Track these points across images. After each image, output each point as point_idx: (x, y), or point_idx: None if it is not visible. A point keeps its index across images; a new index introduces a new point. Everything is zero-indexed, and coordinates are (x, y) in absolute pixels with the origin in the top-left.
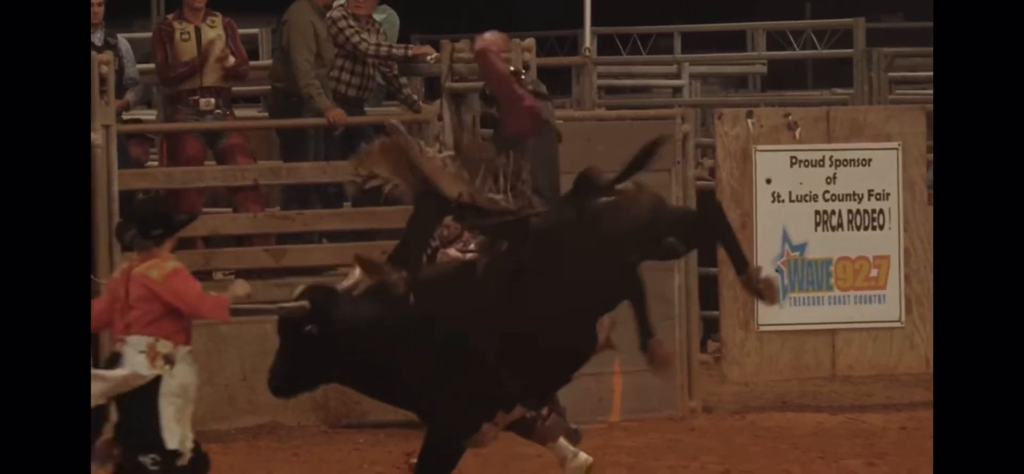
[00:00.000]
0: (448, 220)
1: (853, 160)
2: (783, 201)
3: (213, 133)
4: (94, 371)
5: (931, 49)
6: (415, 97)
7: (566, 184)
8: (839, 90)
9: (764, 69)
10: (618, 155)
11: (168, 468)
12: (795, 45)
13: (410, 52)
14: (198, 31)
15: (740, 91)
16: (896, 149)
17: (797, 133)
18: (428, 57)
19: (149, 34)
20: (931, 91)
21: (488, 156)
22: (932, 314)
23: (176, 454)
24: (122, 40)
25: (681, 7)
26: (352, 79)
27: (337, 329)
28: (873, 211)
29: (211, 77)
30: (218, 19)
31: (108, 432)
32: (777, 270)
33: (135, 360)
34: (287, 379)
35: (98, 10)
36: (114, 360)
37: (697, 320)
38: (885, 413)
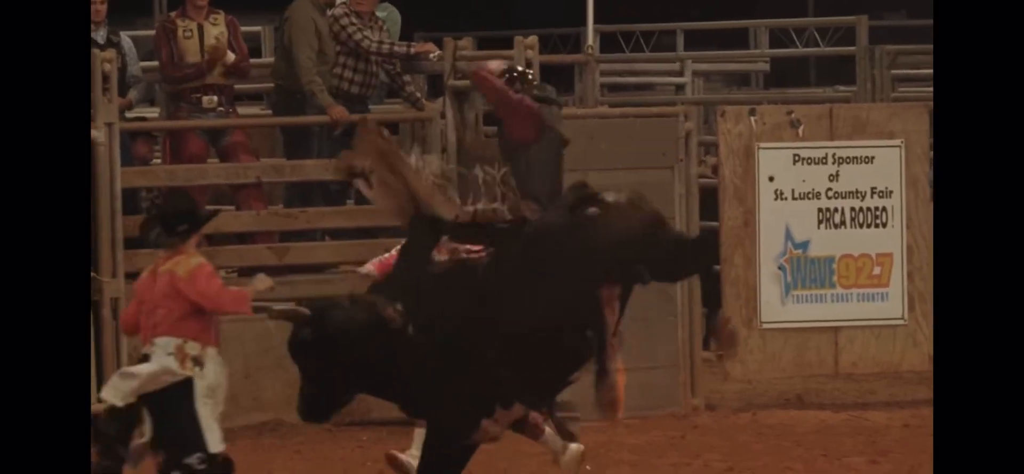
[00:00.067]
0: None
1: (856, 158)
2: (786, 199)
3: (216, 131)
4: (124, 369)
5: None
6: (418, 95)
7: (571, 181)
8: (842, 87)
9: (767, 66)
10: (621, 152)
11: (214, 468)
12: (798, 43)
13: (413, 50)
14: (201, 28)
15: (743, 89)
16: (899, 147)
17: (800, 131)
18: (431, 55)
19: (152, 32)
20: None
21: (491, 154)
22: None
23: (219, 456)
24: (125, 38)
25: (684, 5)
26: (355, 76)
27: (339, 338)
28: (876, 209)
29: (214, 75)
30: (221, 17)
31: (143, 435)
32: (780, 268)
33: (164, 361)
34: (314, 404)
35: (101, 8)
36: (143, 362)
37: (700, 318)
38: (888, 411)
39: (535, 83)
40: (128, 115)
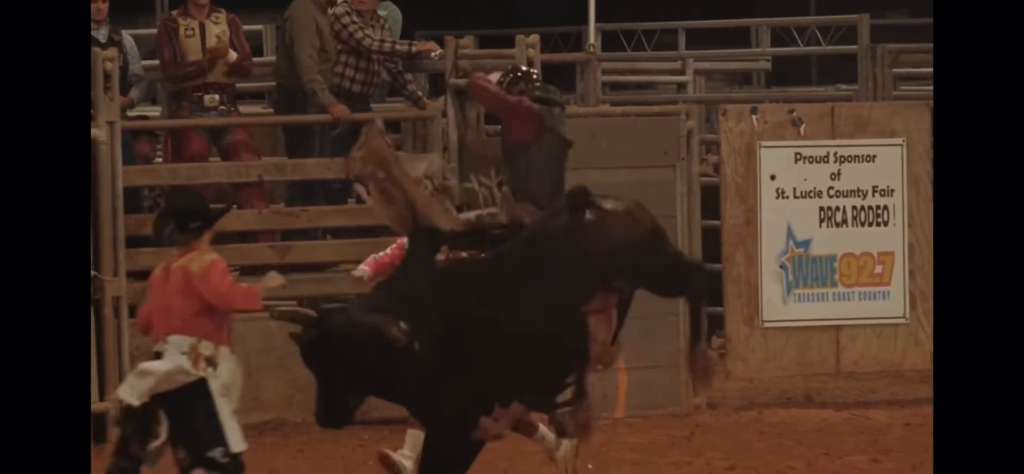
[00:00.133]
0: None
1: (857, 156)
2: (787, 197)
3: (217, 129)
4: (141, 366)
5: None
6: (420, 93)
7: (573, 180)
8: (843, 86)
9: (768, 65)
10: (623, 151)
11: (235, 466)
12: (799, 41)
13: (414, 48)
14: (202, 27)
15: (744, 87)
16: (900, 145)
17: (801, 129)
18: (432, 53)
19: (154, 30)
20: None
21: (492, 153)
22: None
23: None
24: (127, 36)
25: (685, 3)
26: (356, 75)
27: (340, 341)
28: (877, 207)
29: (215, 74)
30: (222, 15)
31: (159, 436)
32: (781, 267)
33: (177, 360)
34: (327, 408)
35: (103, 7)
36: (156, 359)
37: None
38: (889, 409)
39: (538, 84)
40: (130, 114)
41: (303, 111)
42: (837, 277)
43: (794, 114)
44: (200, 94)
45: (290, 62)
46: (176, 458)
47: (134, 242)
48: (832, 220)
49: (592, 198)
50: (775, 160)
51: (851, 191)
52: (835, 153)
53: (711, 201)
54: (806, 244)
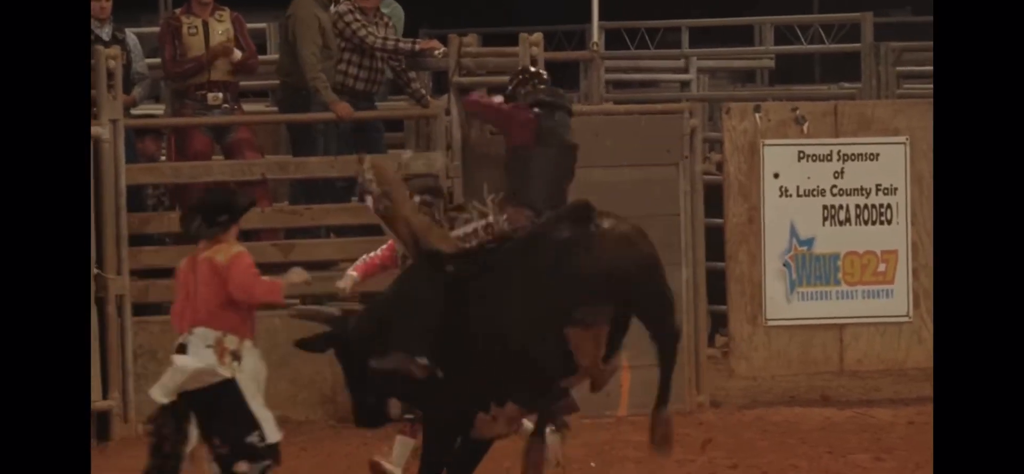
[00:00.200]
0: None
1: (861, 154)
2: (791, 196)
3: (221, 128)
4: (174, 364)
5: None
6: (423, 91)
7: (576, 178)
8: (847, 84)
9: (772, 63)
10: (626, 149)
11: (274, 452)
12: (803, 39)
13: (417, 47)
14: (206, 25)
15: (748, 85)
16: (904, 143)
17: (805, 127)
18: (436, 52)
19: (157, 29)
20: None
21: (496, 151)
22: None
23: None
24: (130, 35)
25: (689, 1)
26: (360, 73)
27: (353, 343)
28: (881, 205)
29: (219, 72)
30: (226, 13)
31: (193, 439)
32: (785, 265)
33: (202, 354)
34: (358, 409)
35: (106, 5)
36: (180, 352)
37: (705, 314)
38: (893, 408)
39: (543, 87)
40: (133, 112)
41: (306, 109)
42: (840, 275)
43: (797, 112)
44: (203, 92)
45: (293, 60)
46: (213, 453)
47: (137, 240)
48: (835, 218)
49: (594, 214)
50: (778, 158)
51: (854, 189)
52: (838, 151)
53: (714, 199)
54: (809, 242)
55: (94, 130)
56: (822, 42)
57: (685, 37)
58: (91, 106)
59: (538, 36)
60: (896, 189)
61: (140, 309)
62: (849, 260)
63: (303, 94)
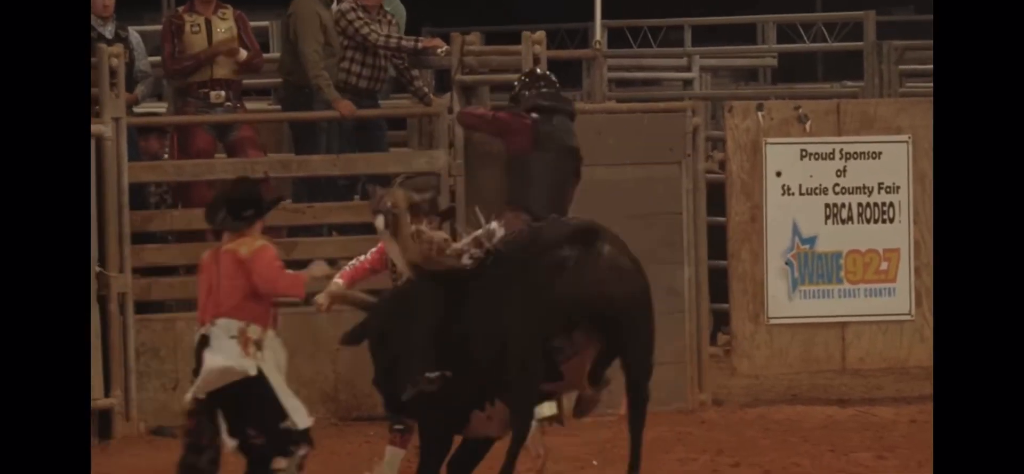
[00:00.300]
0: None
1: (863, 153)
2: (793, 194)
3: (223, 126)
4: (206, 360)
5: None
6: (426, 90)
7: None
8: (849, 83)
9: (774, 62)
10: (628, 148)
11: (308, 437)
12: (805, 38)
13: (420, 45)
14: (209, 23)
15: (750, 84)
16: (906, 142)
17: (807, 126)
18: (438, 50)
19: (160, 27)
20: None
21: (498, 149)
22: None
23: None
24: (133, 33)
25: (691, 0)
26: (363, 70)
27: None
28: (883, 204)
29: (221, 70)
30: (229, 11)
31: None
32: (787, 263)
33: (226, 345)
34: (391, 402)
35: (109, 3)
36: (202, 343)
37: (707, 313)
38: (895, 406)
39: (544, 91)
40: (135, 110)
41: (309, 107)
42: (843, 274)
43: (800, 111)
44: (206, 90)
45: (294, 58)
46: (246, 447)
47: (140, 238)
48: (838, 217)
49: (598, 238)
50: (781, 157)
51: (857, 188)
52: (841, 150)
53: (717, 198)
54: (812, 241)
55: (97, 128)
56: (825, 40)
57: (688, 35)
58: (94, 104)
59: (541, 34)
60: (898, 187)
61: (142, 307)
62: (851, 258)
63: (305, 92)
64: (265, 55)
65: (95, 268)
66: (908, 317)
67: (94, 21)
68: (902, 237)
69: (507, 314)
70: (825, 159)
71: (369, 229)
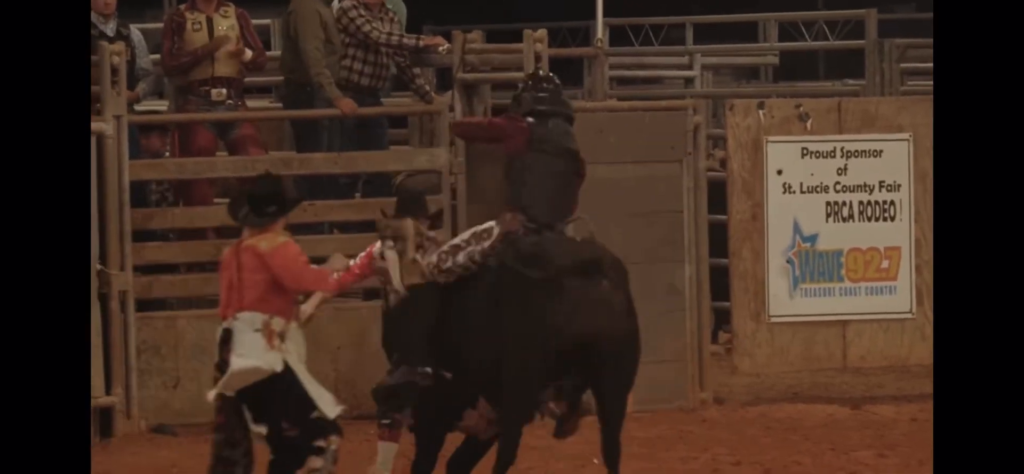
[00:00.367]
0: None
1: (864, 151)
2: (794, 192)
3: (225, 124)
4: (233, 363)
5: None
6: (427, 87)
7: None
8: (851, 81)
9: (776, 60)
10: (630, 146)
11: (336, 427)
12: (807, 36)
13: (422, 42)
14: (210, 21)
15: (752, 82)
16: (907, 140)
17: (808, 124)
18: (440, 48)
19: (161, 25)
20: None
21: (499, 148)
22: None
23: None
24: (134, 31)
25: None
26: (365, 68)
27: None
28: (884, 202)
29: (223, 68)
30: (231, 9)
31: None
32: (788, 261)
33: (251, 339)
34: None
35: (110, 1)
36: (226, 338)
37: (708, 311)
38: (896, 404)
39: (542, 95)
40: (137, 108)
41: (310, 105)
42: (844, 272)
43: (801, 109)
44: (207, 88)
45: (295, 56)
46: (276, 437)
47: (141, 236)
48: (839, 215)
49: (597, 272)
50: (782, 155)
51: (858, 186)
52: (842, 148)
53: (718, 196)
54: (813, 239)
55: (98, 126)
56: (826, 39)
57: (689, 34)
58: (95, 102)
59: (542, 33)
60: (899, 186)
61: (143, 305)
62: (852, 257)
63: (307, 90)
64: (267, 53)
65: (96, 266)
66: (909, 315)
67: (96, 19)
68: (903, 235)
69: (502, 332)
70: (826, 157)
71: (370, 227)
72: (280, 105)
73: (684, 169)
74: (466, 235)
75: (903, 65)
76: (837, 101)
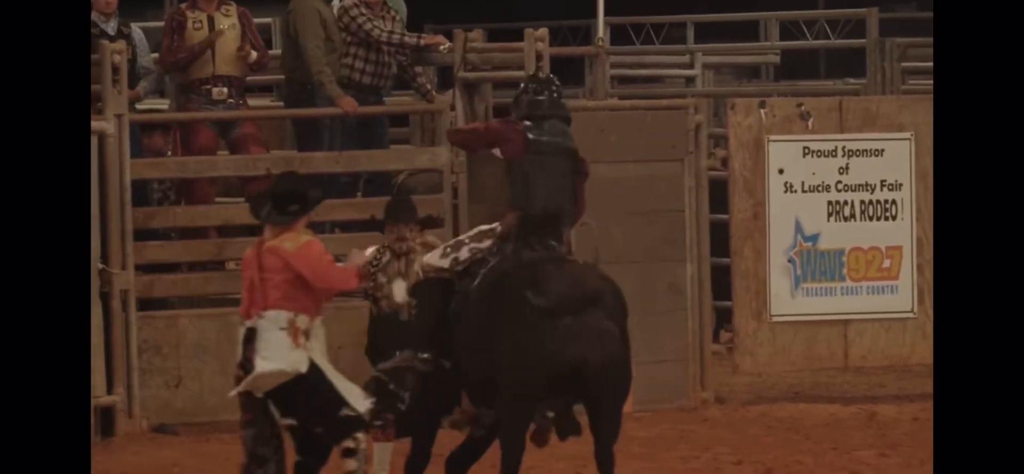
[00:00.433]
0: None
1: (866, 150)
2: (796, 191)
3: (226, 123)
4: (257, 365)
5: None
6: (428, 86)
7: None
8: (852, 80)
9: (777, 59)
10: (631, 145)
11: (364, 422)
12: (808, 35)
13: (423, 41)
14: (211, 20)
15: (753, 81)
16: (909, 139)
17: (810, 123)
18: (441, 47)
19: (162, 23)
20: None
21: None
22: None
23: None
24: (135, 29)
25: None
26: (367, 67)
27: None
28: (885, 201)
29: (224, 66)
30: (232, 8)
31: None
32: (789, 261)
33: (276, 338)
34: None
35: (111, 0)
36: (249, 337)
37: (709, 311)
38: (897, 404)
39: (538, 97)
40: (138, 107)
41: (311, 104)
42: (845, 271)
43: (802, 108)
44: (208, 87)
45: (295, 55)
46: (306, 439)
47: (142, 235)
48: (840, 214)
49: (593, 302)
50: (783, 154)
51: (859, 185)
52: (843, 147)
53: (719, 195)
54: (814, 238)
55: (99, 125)
56: (827, 38)
57: (690, 33)
58: (96, 101)
59: (543, 32)
60: (901, 185)
61: (145, 304)
62: (854, 256)
63: (308, 89)
64: (268, 52)
65: (98, 265)
66: (910, 315)
67: (97, 17)
68: (905, 234)
69: (496, 342)
70: (828, 156)
71: (371, 227)
72: (281, 104)
73: (685, 168)
74: (472, 232)
75: (904, 64)
76: (838, 100)
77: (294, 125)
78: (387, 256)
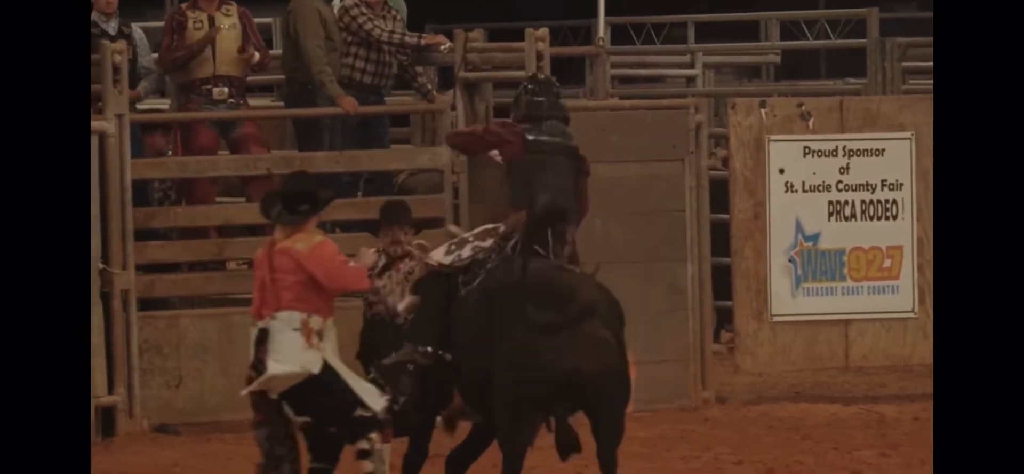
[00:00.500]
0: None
1: (866, 150)
2: (796, 191)
3: (226, 122)
4: (270, 367)
5: None
6: (429, 86)
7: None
8: (852, 80)
9: (777, 59)
10: (632, 145)
11: (382, 420)
12: (808, 35)
13: (423, 41)
14: (212, 20)
15: (753, 81)
16: (909, 139)
17: (810, 123)
18: (442, 46)
19: (163, 23)
20: None
21: None
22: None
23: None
24: (136, 29)
25: None
26: (367, 66)
27: None
28: (886, 201)
29: (225, 66)
30: (233, 8)
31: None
32: (790, 260)
33: (289, 339)
34: None
35: (112, 0)
36: (262, 337)
37: (710, 310)
38: (898, 404)
39: (536, 98)
40: (138, 107)
41: (312, 104)
42: (846, 271)
43: (803, 108)
44: (209, 87)
45: (296, 55)
46: (320, 440)
47: (143, 235)
48: (841, 214)
49: (589, 313)
50: (784, 154)
51: (860, 185)
52: (844, 147)
53: (720, 195)
54: (815, 238)
55: (100, 125)
56: (828, 37)
57: (691, 32)
58: (97, 100)
59: (544, 31)
60: (901, 185)
61: (145, 304)
62: (854, 256)
63: (309, 89)
64: (270, 52)
65: (98, 265)
66: (911, 314)
67: (97, 17)
68: (905, 234)
69: (495, 352)
70: (828, 156)
71: (372, 226)
72: (282, 104)
73: (686, 168)
74: (476, 231)
75: (905, 64)
76: (839, 100)
77: (295, 125)
78: (382, 260)
